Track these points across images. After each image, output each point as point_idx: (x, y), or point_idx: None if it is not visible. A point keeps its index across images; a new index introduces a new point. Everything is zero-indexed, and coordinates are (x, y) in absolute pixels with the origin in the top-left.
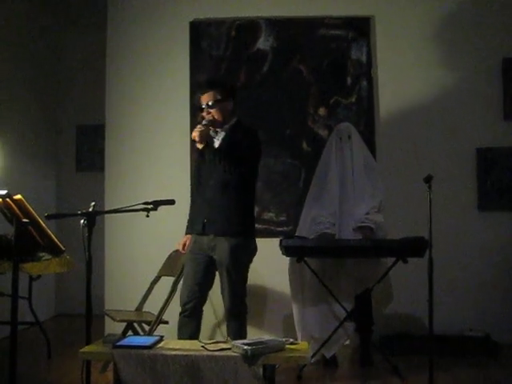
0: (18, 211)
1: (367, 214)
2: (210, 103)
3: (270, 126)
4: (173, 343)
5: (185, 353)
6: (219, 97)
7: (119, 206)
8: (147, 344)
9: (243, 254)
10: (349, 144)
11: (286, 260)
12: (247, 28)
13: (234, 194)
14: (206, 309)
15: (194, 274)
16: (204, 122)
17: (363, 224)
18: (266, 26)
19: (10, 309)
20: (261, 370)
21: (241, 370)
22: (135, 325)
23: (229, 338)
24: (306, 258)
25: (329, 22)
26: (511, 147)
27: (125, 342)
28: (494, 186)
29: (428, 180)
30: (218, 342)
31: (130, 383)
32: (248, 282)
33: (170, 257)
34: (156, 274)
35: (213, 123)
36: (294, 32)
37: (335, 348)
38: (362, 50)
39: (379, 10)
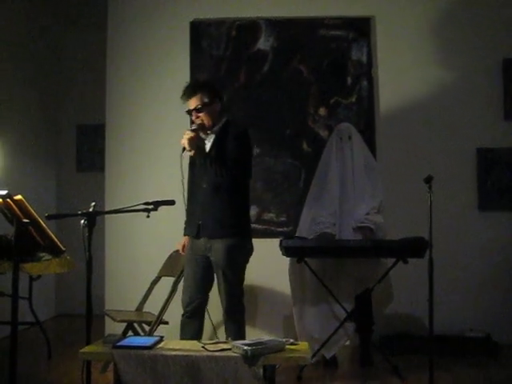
0: (18, 211)
1: (367, 214)
2: (198, 107)
3: (270, 126)
4: (173, 343)
5: (185, 353)
6: (206, 100)
7: (119, 206)
8: (147, 344)
9: (239, 255)
10: (349, 144)
11: (286, 260)
12: (247, 28)
13: (226, 196)
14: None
15: (194, 275)
16: (193, 127)
17: (363, 224)
18: (267, 26)
19: (10, 309)
20: (261, 370)
21: (241, 370)
22: (135, 325)
23: (229, 339)
24: (306, 259)
25: (329, 23)
26: (511, 147)
27: (125, 342)
28: (494, 186)
29: (428, 180)
30: (218, 343)
31: (130, 383)
32: (248, 283)
33: (170, 257)
34: (156, 275)
35: (202, 127)
36: (294, 32)
37: (335, 349)
38: (362, 50)
39: (379, 11)
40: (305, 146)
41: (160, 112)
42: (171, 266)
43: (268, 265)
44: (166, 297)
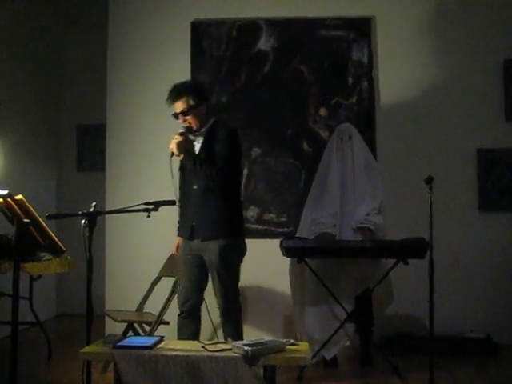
0: (18, 211)
1: (367, 215)
2: (184, 110)
3: (271, 127)
4: (173, 344)
5: (185, 353)
6: (192, 102)
7: (120, 207)
8: (148, 344)
9: (233, 255)
10: (350, 144)
11: (287, 261)
12: (248, 28)
13: (218, 196)
14: (205, 309)
15: (188, 275)
16: (181, 131)
17: (362, 225)
18: (267, 26)
19: (10, 309)
20: (261, 370)
21: (241, 370)
22: (136, 325)
23: (229, 339)
24: (306, 259)
25: (330, 23)
26: None
27: (125, 342)
28: (494, 187)
29: (429, 181)
30: (218, 343)
31: (130, 383)
32: (249, 283)
33: (170, 257)
34: (157, 275)
35: (190, 130)
36: (294, 32)
37: (335, 349)
38: (362, 50)
39: (380, 11)
40: (305, 146)
41: (160, 112)
42: (171, 266)
43: (268, 265)
44: (166, 297)
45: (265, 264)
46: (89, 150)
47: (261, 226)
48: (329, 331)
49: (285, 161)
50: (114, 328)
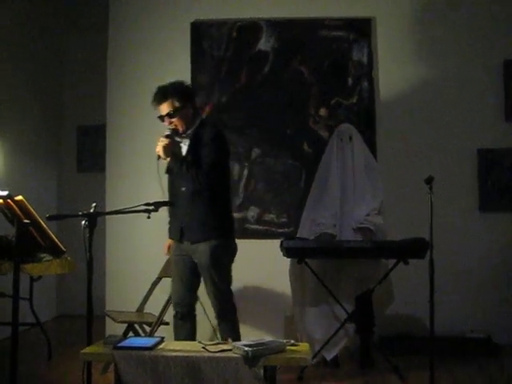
0: (18, 212)
1: (367, 215)
2: (170, 113)
3: (271, 127)
4: (174, 344)
5: (186, 354)
6: (178, 104)
7: (120, 207)
8: (148, 345)
9: (223, 255)
10: (350, 145)
11: (287, 261)
12: (248, 29)
13: (206, 199)
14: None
15: (180, 276)
16: (166, 133)
17: (362, 225)
18: (267, 26)
19: (11, 310)
20: (262, 371)
21: (242, 371)
22: (136, 326)
23: (229, 339)
24: (306, 260)
25: (330, 23)
26: None
27: (126, 343)
28: (494, 187)
29: (429, 181)
30: (218, 343)
31: None
32: (249, 284)
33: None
34: (157, 276)
35: (176, 133)
36: (295, 33)
37: (336, 350)
38: (362, 51)
39: (380, 12)
40: (305, 146)
41: None
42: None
43: (268, 266)
44: (166, 298)
45: (265, 264)
46: (89, 150)
47: (261, 227)
48: (329, 331)
49: (285, 161)
50: (114, 329)
